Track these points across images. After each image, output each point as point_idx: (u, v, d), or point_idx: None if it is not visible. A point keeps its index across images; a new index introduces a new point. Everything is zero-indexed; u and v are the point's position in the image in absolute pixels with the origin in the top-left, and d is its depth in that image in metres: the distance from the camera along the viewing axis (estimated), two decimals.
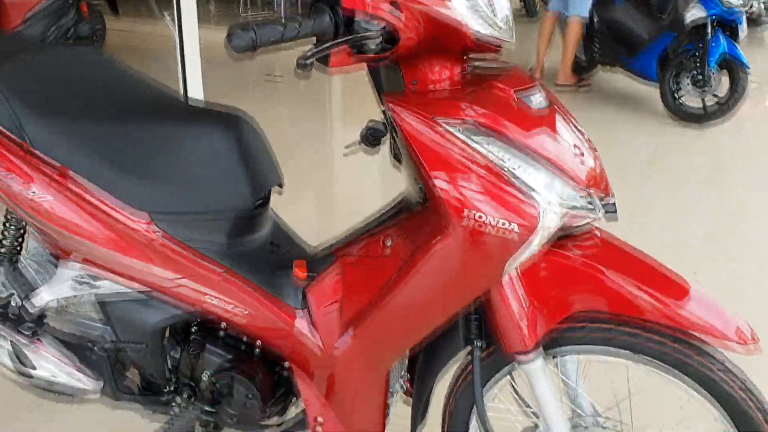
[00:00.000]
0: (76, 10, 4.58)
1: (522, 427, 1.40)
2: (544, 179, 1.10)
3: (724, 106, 4.71)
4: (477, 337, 1.28)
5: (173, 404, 1.53)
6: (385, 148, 1.31)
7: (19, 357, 1.58)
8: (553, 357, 1.33)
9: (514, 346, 1.22)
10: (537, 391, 1.26)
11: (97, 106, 1.45)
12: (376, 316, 1.27)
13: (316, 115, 4.98)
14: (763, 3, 8.06)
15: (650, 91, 5.31)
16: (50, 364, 1.56)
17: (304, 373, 1.41)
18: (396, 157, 1.27)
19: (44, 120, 1.40)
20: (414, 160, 1.14)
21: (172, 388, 1.54)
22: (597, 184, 1.16)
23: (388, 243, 1.28)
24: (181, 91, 3.32)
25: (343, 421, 1.41)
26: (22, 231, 1.64)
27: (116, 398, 1.58)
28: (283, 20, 1.02)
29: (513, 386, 1.43)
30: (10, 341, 1.58)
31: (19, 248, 1.64)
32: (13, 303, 1.62)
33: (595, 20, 5.31)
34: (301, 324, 1.37)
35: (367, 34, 1.06)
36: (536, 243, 1.11)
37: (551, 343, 1.26)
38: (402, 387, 1.50)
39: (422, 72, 1.16)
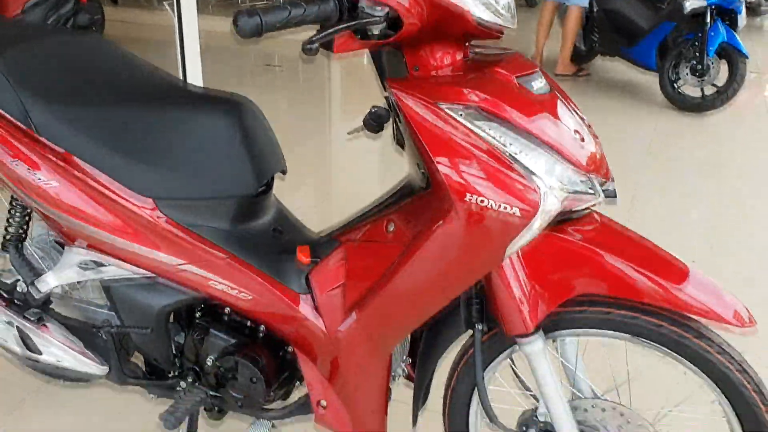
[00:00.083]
0: None
1: (522, 409, 1.42)
2: (545, 163, 1.11)
3: (723, 95, 4.72)
4: (478, 320, 1.29)
5: (178, 388, 1.55)
6: (386, 135, 1.32)
7: (25, 342, 1.60)
8: (553, 341, 1.34)
9: (515, 328, 1.23)
10: (537, 374, 1.28)
11: (102, 93, 1.46)
12: (379, 300, 1.29)
13: (316, 103, 4.98)
14: None
15: (649, 80, 5.32)
16: (56, 348, 1.58)
17: (307, 357, 1.43)
18: (399, 142, 1.28)
19: (50, 107, 1.41)
20: (417, 144, 1.15)
21: (176, 372, 1.56)
22: (597, 168, 1.17)
23: (391, 227, 1.29)
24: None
25: (346, 404, 1.43)
26: (27, 218, 1.65)
27: (121, 382, 1.60)
28: (287, 5, 1.03)
29: (513, 369, 1.45)
30: (17, 326, 1.59)
31: (24, 235, 1.66)
32: (18, 288, 1.64)
33: (595, 9, 5.31)
34: (305, 308, 1.39)
35: (370, 19, 1.07)
36: (537, 226, 1.12)
37: (551, 326, 1.27)
38: (404, 371, 1.52)
39: (424, 58, 1.17)
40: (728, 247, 2.98)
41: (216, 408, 1.57)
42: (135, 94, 1.46)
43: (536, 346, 1.25)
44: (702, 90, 4.82)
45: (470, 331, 1.33)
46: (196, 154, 1.38)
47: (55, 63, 1.50)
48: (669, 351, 1.22)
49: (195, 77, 3.57)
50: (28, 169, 1.42)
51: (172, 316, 1.52)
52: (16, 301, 1.64)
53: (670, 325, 1.20)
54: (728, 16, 4.76)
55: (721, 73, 4.74)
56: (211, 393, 1.52)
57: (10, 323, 1.60)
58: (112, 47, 1.62)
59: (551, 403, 1.28)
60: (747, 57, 4.66)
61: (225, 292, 1.41)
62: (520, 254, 1.22)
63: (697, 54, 4.68)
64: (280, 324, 1.43)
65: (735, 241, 3.03)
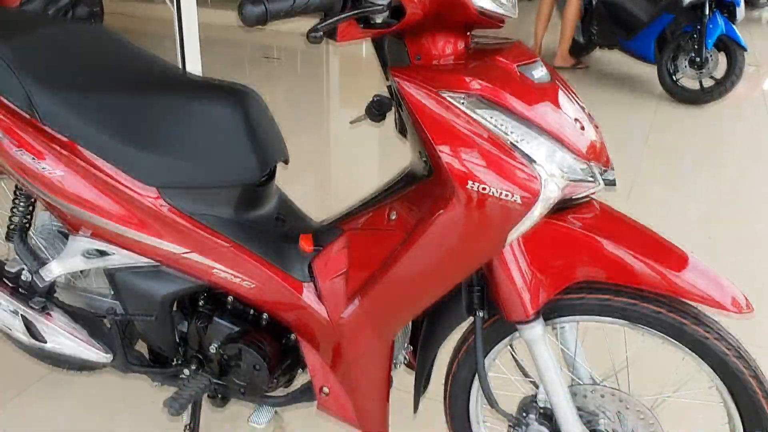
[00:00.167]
0: None
1: (522, 395, 1.44)
2: (545, 150, 1.12)
3: (722, 87, 4.73)
4: (479, 307, 1.31)
5: (182, 375, 1.56)
6: (386, 124, 1.33)
7: (30, 330, 1.61)
8: (553, 327, 1.36)
9: (516, 315, 1.25)
10: (537, 360, 1.29)
11: (106, 82, 1.46)
12: (382, 287, 1.30)
13: (314, 95, 4.99)
14: None
15: (648, 73, 5.33)
16: (60, 336, 1.59)
17: (310, 344, 1.45)
18: (401, 130, 1.29)
19: (54, 95, 1.41)
20: (419, 132, 1.16)
21: (180, 360, 1.58)
22: (597, 156, 1.18)
23: (393, 215, 1.30)
24: None
25: (348, 391, 1.44)
26: (31, 207, 1.66)
27: (126, 370, 1.61)
28: None
29: (513, 355, 1.47)
30: (22, 315, 1.61)
31: (28, 224, 1.67)
32: (23, 277, 1.65)
33: (594, 1, 5.32)
34: (308, 296, 1.40)
35: (373, 8, 1.08)
36: (537, 213, 1.13)
37: (551, 313, 1.29)
38: (405, 358, 1.53)
39: (426, 47, 1.18)
40: (725, 237, 3.00)
41: (219, 395, 1.59)
42: (139, 84, 1.46)
43: (536, 332, 1.26)
44: (700, 82, 4.83)
45: (471, 318, 1.34)
46: (200, 142, 1.39)
47: (59, 52, 1.50)
48: (667, 337, 1.23)
49: (194, 69, 3.58)
50: (33, 158, 1.43)
51: (175, 304, 1.53)
52: (20, 290, 1.66)
53: (669, 312, 1.21)
54: (727, 9, 4.77)
55: (719, 65, 4.75)
56: (215, 380, 1.53)
57: (15, 312, 1.61)
58: (115, 37, 1.62)
59: (551, 388, 1.30)
60: (745, 49, 4.67)
61: (228, 280, 1.43)
62: (520, 241, 1.23)
63: (696, 46, 4.69)
64: (283, 311, 1.44)
65: (732, 232, 3.05)
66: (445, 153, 1.13)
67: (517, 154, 1.12)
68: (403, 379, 1.61)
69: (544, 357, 1.28)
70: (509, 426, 1.39)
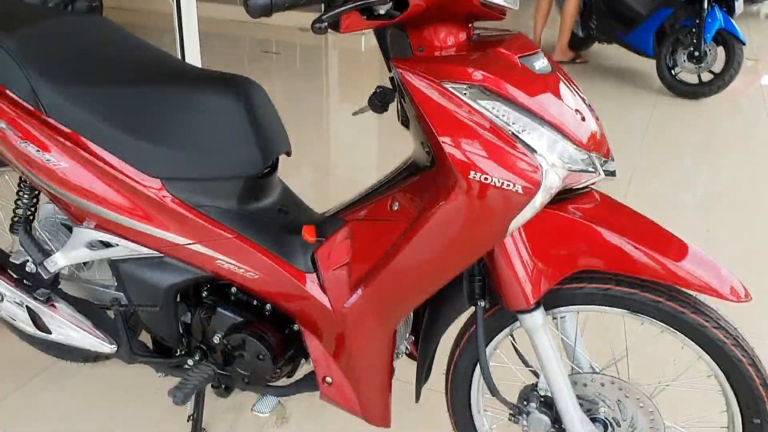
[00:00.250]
0: None
1: (523, 384, 1.45)
2: (547, 141, 1.13)
3: (720, 81, 4.74)
4: (481, 296, 1.32)
5: (186, 366, 1.58)
6: (386, 119, 1.33)
7: (35, 321, 1.62)
8: (553, 317, 1.37)
9: (517, 304, 1.26)
10: (538, 349, 1.31)
11: (109, 73, 1.47)
12: (384, 277, 1.31)
13: (313, 89, 4.99)
14: None
15: (647, 67, 5.34)
16: (65, 327, 1.61)
17: (313, 334, 1.46)
18: (403, 121, 1.30)
19: (58, 87, 1.42)
20: (422, 123, 1.17)
21: (184, 350, 1.59)
22: (598, 147, 1.19)
23: (396, 206, 1.31)
24: None
25: (350, 380, 1.45)
26: (35, 199, 1.67)
27: (130, 360, 1.62)
28: None
29: (514, 345, 1.48)
30: (27, 306, 1.62)
31: (32, 216, 1.68)
32: (28, 269, 1.66)
33: None
34: (311, 286, 1.41)
35: None
36: (538, 203, 1.14)
37: (551, 302, 1.30)
38: (406, 348, 1.54)
39: (429, 38, 1.19)
40: (723, 229, 3.02)
41: (223, 385, 1.60)
42: (142, 75, 1.47)
43: (537, 321, 1.27)
44: (699, 76, 4.84)
45: (472, 308, 1.36)
46: (203, 134, 1.39)
47: (63, 44, 1.50)
48: (666, 326, 1.25)
49: (194, 63, 3.58)
50: (38, 149, 1.43)
51: (179, 295, 1.54)
52: (25, 281, 1.67)
53: (668, 301, 1.23)
54: (725, 3, 4.77)
55: (718, 59, 4.75)
56: (219, 370, 1.54)
57: (20, 303, 1.62)
58: (117, 29, 1.63)
59: (551, 377, 1.32)
60: (744, 43, 4.68)
61: (232, 270, 1.44)
62: (521, 231, 1.24)
63: (695, 40, 4.69)
64: (286, 302, 1.45)
65: (730, 224, 3.07)
66: (447, 143, 1.14)
67: (518, 144, 1.13)
68: (405, 368, 1.62)
69: (544, 346, 1.30)
70: (510, 414, 1.41)
